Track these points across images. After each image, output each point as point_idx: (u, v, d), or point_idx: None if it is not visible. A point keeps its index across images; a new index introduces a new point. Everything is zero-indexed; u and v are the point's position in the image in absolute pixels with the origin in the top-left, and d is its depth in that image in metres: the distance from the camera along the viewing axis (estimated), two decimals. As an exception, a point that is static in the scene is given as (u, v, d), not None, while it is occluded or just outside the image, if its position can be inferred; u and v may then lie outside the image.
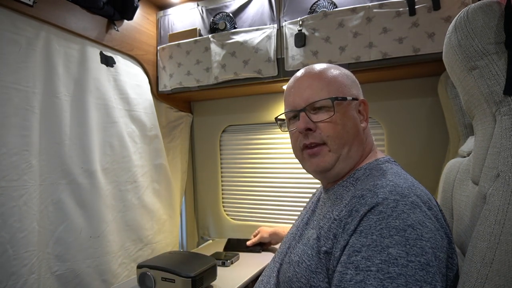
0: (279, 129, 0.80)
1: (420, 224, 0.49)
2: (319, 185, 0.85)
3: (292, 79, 0.73)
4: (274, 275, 0.70)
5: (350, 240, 0.52)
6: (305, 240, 0.65)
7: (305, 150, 0.68)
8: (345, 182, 0.66)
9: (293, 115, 0.70)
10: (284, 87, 1.55)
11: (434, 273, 0.47)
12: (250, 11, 1.47)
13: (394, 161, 0.68)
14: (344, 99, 0.66)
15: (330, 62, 1.27)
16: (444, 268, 0.49)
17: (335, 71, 0.70)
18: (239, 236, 1.81)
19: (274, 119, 1.80)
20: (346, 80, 0.70)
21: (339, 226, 0.56)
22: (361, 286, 0.47)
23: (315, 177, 0.74)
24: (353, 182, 0.64)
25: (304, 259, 0.60)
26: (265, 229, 1.45)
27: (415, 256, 0.47)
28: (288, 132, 0.74)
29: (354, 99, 0.68)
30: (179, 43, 1.56)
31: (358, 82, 0.74)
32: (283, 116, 0.75)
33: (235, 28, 1.47)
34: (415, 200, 0.52)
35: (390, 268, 0.46)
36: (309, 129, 0.66)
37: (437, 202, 0.58)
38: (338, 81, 0.68)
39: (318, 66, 0.71)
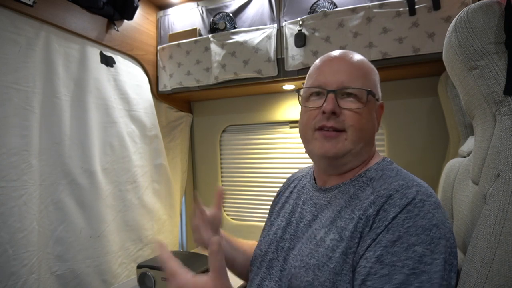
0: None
1: (442, 224, 0.52)
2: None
3: (325, 57, 0.69)
4: (275, 280, 0.66)
5: (377, 238, 0.54)
6: (317, 241, 0.61)
7: (320, 131, 0.64)
8: (356, 182, 0.64)
9: (317, 92, 0.66)
10: (285, 87, 1.56)
11: (451, 271, 0.50)
12: (250, 11, 1.47)
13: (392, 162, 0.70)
14: (374, 95, 0.66)
15: (330, 62, 1.27)
16: (456, 266, 0.52)
17: (370, 65, 0.69)
18: (239, 236, 1.81)
19: (274, 119, 1.79)
20: (376, 78, 0.69)
21: (366, 225, 0.56)
22: (386, 280, 0.49)
23: (318, 162, 0.69)
24: (368, 182, 0.63)
25: (324, 261, 0.57)
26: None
27: (439, 254, 0.49)
28: (302, 107, 0.69)
29: (378, 100, 0.68)
30: (179, 43, 1.56)
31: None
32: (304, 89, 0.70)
33: (235, 28, 1.47)
34: (437, 201, 0.55)
35: (416, 265, 0.49)
36: (334, 113, 0.62)
37: None
38: (372, 77, 0.67)
39: (357, 55, 0.68)
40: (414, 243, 0.50)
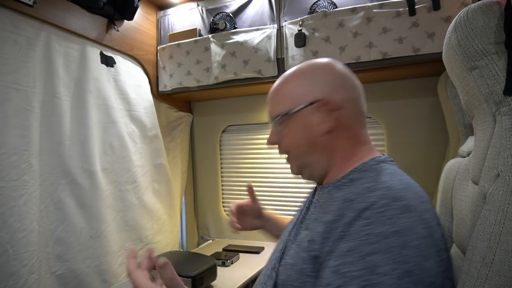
0: None
1: (407, 230, 0.47)
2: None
3: None
4: (274, 275, 0.69)
5: (338, 246, 0.51)
6: (298, 241, 0.63)
7: None
8: (339, 183, 0.63)
9: None
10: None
11: (415, 283, 0.45)
12: (250, 11, 1.47)
13: (391, 160, 0.65)
14: (287, 113, 0.65)
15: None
16: (434, 277, 0.47)
17: (290, 78, 0.68)
18: (239, 236, 1.81)
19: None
20: (299, 86, 0.66)
21: (329, 230, 0.54)
22: None
23: None
24: (348, 183, 0.61)
25: (297, 261, 0.58)
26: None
27: (398, 264, 0.45)
28: None
29: (308, 104, 0.63)
30: (179, 43, 1.56)
31: (335, 75, 0.66)
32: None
33: (235, 28, 1.47)
34: (408, 204, 0.50)
35: (370, 276, 0.45)
36: (275, 143, 0.70)
37: (432, 205, 0.55)
38: (287, 95, 0.66)
39: (281, 77, 0.70)
40: (370, 252, 0.46)
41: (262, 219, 0.97)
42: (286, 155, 0.70)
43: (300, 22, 1.31)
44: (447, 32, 0.60)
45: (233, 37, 1.44)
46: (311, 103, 0.63)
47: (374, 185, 0.53)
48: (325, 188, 0.66)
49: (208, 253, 1.46)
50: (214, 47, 1.48)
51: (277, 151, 0.73)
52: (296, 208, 1.78)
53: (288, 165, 0.72)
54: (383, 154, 0.67)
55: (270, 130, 0.72)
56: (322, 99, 0.63)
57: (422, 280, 0.45)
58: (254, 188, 1.01)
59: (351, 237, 0.49)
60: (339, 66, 0.68)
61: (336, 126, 0.63)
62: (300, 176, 0.71)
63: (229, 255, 1.45)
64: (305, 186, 1.65)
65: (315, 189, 0.76)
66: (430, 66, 1.20)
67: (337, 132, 0.64)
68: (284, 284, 0.60)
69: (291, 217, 0.87)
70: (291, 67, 1.45)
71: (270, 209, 1.74)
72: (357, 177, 0.60)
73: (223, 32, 1.47)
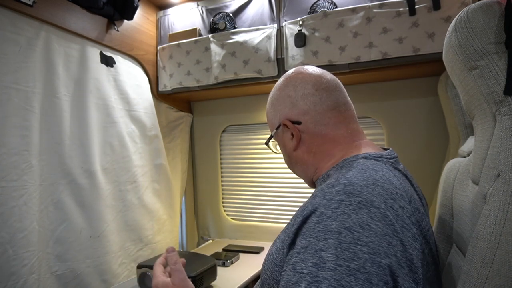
0: None
1: (360, 226, 0.46)
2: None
3: None
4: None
5: (296, 241, 0.51)
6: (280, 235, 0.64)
7: None
8: (319, 181, 0.67)
9: None
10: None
11: (364, 280, 0.43)
12: (250, 11, 1.47)
13: (379, 157, 0.61)
14: (271, 136, 0.77)
15: (330, 62, 1.27)
16: (389, 276, 0.45)
17: (267, 104, 0.77)
18: (239, 236, 1.81)
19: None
20: (270, 112, 0.75)
21: (292, 224, 0.55)
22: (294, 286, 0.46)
23: None
24: (324, 180, 0.63)
25: (273, 251, 0.59)
26: None
27: (345, 261, 0.44)
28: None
29: (277, 128, 0.73)
30: (179, 43, 1.56)
31: (290, 91, 0.69)
32: None
33: (235, 28, 1.47)
34: (366, 199, 0.48)
35: (319, 272, 0.45)
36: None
37: (406, 202, 0.53)
38: (268, 119, 0.77)
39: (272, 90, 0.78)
40: (321, 248, 0.46)
41: None
42: None
43: (300, 22, 1.31)
44: (447, 32, 0.60)
45: (233, 37, 1.44)
46: (278, 127, 0.72)
47: (336, 181, 0.53)
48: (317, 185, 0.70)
49: (208, 253, 1.46)
50: (214, 47, 1.48)
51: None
52: (296, 209, 1.78)
53: (285, 165, 0.80)
54: (380, 150, 0.64)
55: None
56: (282, 121, 0.70)
57: (376, 278, 0.43)
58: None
59: (306, 233, 0.49)
60: (298, 76, 0.71)
61: (303, 139, 0.69)
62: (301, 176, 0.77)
63: (229, 255, 1.45)
64: (305, 186, 1.65)
65: None
66: (430, 66, 1.20)
67: (305, 144, 0.69)
68: (261, 273, 0.62)
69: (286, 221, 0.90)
70: (291, 67, 1.46)
71: (270, 209, 1.75)
72: (333, 173, 0.61)
73: (223, 32, 1.47)
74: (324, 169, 0.67)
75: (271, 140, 0.79)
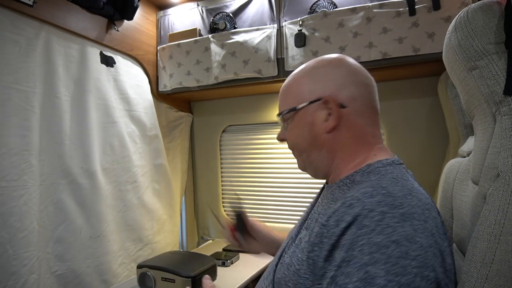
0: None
1: (407, 240, 0.45)
2: (319, 185, 0.84)
3: None
4: (272, 273, 0.69)
5: (333, 253, 0.50)
6: (298, 240, 0.62)
7: None
8: (341, 183, 0.62)
9: None
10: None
11: None
12: (250, 11, 1.47)
13: (401, 163, 0.63)
14: (293, 109, 0.66)
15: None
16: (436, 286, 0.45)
17: (298, 75, 0.69)
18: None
19: (275, 119, 1.79)
20: (306, 83, 0.66)
21: (326, 234, 0.52)
22: None
23: None
24: (349, 185, 0.60)
25: (293, 261, 0.57)
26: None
27: (395, 276, 0.43)
28: None
29: (314, 101, 0.64)
30: (179, 43, 1.56)
31: (343, 71, 0.65)
32: None
33: (235, 28, 1.47)
34: (408, 212, 0.47)
35: (361, 286, 0.44)
36: (284, 139, 0.72)
37: (437, 212, 0.53)
38: (294, 91, 0.67)
39: (292, 73, 0.71)
40: (367, 263, 0.44)
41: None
42: (293, 149, 0.71)
43: (300, 22, 1.31)
44: (447, 32, 0.60)
45: (233, 37, 1.44)
46: (315, 101, 0.63)
47: (373, 191, 0.51)
48: (330, 187, 0.66)
49: (208, 253, 1.46)
50: (214, 47, 1.48)
51: (277, 151, 0.75)
52: (296, 209, 1.78)
53: (293, 162, 0.73)
54: (394, 156, 0.64)
55: (278, 128, 0.74)
56: (326, 97, 0.62)
57: None
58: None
59: (348, 247, 0.47)
60: (350, 61, 0.67)
61: (340, 124, 0.62)
62: (304, 173, 0.72)
63: (229, 255, 1.45)
64: (305, 186, 1.65)
65: (323, 187, 0.75)
66: (430, 66, 1.20)
67: (340, 130, 0.63)
68: (280, 283, 0.60)
69: (289, 224, 0.87)
70: (291, 67, 1.46)
71: (270, 209, 1.75)
72: (359, 179, 0.59)
73: (223, 32, 1.47)
74: (344, 168, 0.63)
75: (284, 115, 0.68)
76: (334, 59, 0.67)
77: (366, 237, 0.46)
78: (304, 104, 0.65)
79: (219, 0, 1.53)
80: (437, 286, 0.44)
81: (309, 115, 0.65)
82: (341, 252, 0.48)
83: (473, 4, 0.54)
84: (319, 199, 0.70)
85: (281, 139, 0.72)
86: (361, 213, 0.48)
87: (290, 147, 0.72)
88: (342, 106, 0.62)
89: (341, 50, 1.24)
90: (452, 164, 0.81)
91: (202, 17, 1.57)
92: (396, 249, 0.44)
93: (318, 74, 0.65)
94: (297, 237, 0.65)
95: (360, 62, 1.29)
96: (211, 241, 1.82)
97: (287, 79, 0.72)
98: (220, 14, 1.51)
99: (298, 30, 1.31)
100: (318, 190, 0.78)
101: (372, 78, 0.68)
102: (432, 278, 0.44)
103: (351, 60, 0.67)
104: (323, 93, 0.63)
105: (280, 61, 1.39)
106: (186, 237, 1.91)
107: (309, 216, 0.67)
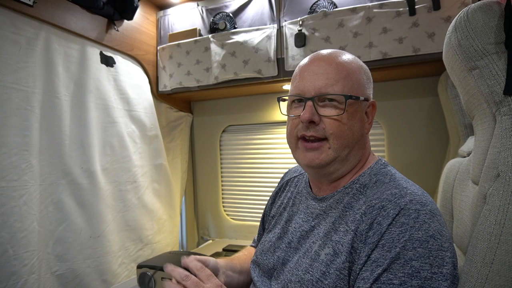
0: (282, 128, 0.77)
1: (439, 233, 0.49)
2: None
3: (307, 59, 0.66)
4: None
5: (372, 255, 0.51)
6: (312, 254, 0.60)
7: (302, 141, 0.63)
8: (350, 189, 0.61)
9: (298, 99, 0.64)
10: (285, 87, 1.56)
11: (453, 283, 0.48)
12: (250, 11, 1.47)
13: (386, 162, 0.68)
14: (357, 98, 0.61)
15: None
16: (457, 273, 0.50)
17: (356, 64, 0.64)
18: (239, 236, 1.81)
19: (274, 119, 1.80)
20: (364, 77, 0.64)
21: (360, 240, 0.53)
22: None
23: (306, 170, 0.69)
24: (361, 189, 0.60)
25: (318, 277, 0.56)
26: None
27: (438, 268, 0.47)
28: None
29: (366, 99, 0.63)
30: (179, 43, 1.56)
31: (372, 80, 0.68)
32: (287, 97, 0.68)
33: (235, 28, 1.47)
34: (433, 208, 0.52)
35: (413, 281, 0.47)
36: (313, 122, 0.60)
37: None
38: (356, 77, 0.62)
39: (340, 54, 0.64)
40: (412, 258, 0.48)
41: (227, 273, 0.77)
42: (322, 138, 0.61)
43: (300, 22, 1.31)
44: (447, 32, 0.60)
45: (233, 37, 1.44)
46: (368, 99, 0.65)
47: (400, 192, 0.54)
48: (330, 198, 0.64)
49: (208, 253, 1.46)
50: (214, 47, 1.47)
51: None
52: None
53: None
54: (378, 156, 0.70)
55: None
56: (372, 102, 0.66)
57: (457, 280, 0.49)
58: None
59: (389, 245, 0.50)
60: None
61: (370, 129, 0.67)
62: (314, 165, 0.63)
63: (229, 255, 1.45)
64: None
65: (301, 195, 0.73)
66: (430, 66, 1.20)
67: (367, 135, 0.67)
68: (306, 274, 0.58)
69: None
70: (291, 67, 1.45)
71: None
72: (370, 182, 0.61)
73: (223, 32, 1.47)
74: (356, 169, 0.65)
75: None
76: (366, 69, 0.68)
77: (408, 234, 0.49)
78: (363, 98, 0.63)
79: (219, 0, 1.53)
80: (457, 272, 0.50)
81: (362, 111, 0.64)
82: (382, 251, 0.50)
83: (473, 4, 0.54)
84: (313, 210, 0.66)
85: (310, 120, 0.60)
86: (398, 213, 0.52)
87: (321, 134, 0.61)
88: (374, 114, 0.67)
89: (341, 50, 1.24)
90: (452, 164, 0.81)
91: (202, 17, 1.57)
92: (435, 243, 0.48)
93: (367, 75, 0.66)
94: (302, 249, 0.63)
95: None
96: (211, 241, 1.82)
97: (349, 57, 0.64)
98: (220, 14, 1.51)
99: (298, 30, 1.31)
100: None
101: None
102: (456, 265, 0.50)
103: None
104: (369, 95, 0.66)
105: (280, 61, 1.38)
106: (186, 237, 1.91)
107: (316, 228, 0.63)
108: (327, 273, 0.55)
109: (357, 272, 0.52)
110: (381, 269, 0.49)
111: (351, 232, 0.55)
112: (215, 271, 0.71)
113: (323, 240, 0.59)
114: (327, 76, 0.61)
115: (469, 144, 0.80)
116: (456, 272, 0.49)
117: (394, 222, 0.51)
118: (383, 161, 0.66)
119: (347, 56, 0.64)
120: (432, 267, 0.47)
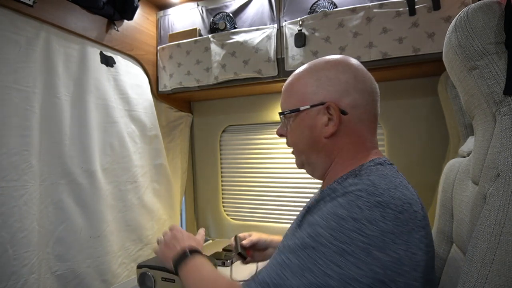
0: None
1: (368, 221, 0.47)
2: (319, 185, 0.84)
3: None
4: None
5: (304, 219, 0.58)
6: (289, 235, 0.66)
7: None
8: (335, 183, 0.62)
9: None
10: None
11: (352, 263, 0.46)
12: (250, 11, 1.47)
13: (391, 163, 0.63)
14: (296, 110, 0.66)
15: (330, 62, 1.27)
16: (383, 271, 0.46)
17: (306, 71, 0.67)
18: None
19: (275, 119, 1.79)
20: (310, 84, 0.65)
21: (308, 214, 0.59)
22: (285, 249, 0.52)
23: None
24: (342, 182, 0.60)
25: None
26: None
27: (339, 242, 0.47)
28: None
29: (316, 105, 0.63)
30: (179, 43, 1.56)
31: (347, 77, 0.64)
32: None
33: (235, 28, 1.47)
34: (385, 201, 0.49)
35: (306, 239, 0.50)
36: (283, 135, 0.72)
37: (425, 213, 0.54)
38: (299, 91, 0.66)
39: (301, 68, 0.69)
40: (320, 225, 0.50)
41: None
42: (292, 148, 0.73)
43: (300, 22, 1.31)
44: (447, 32, 0.60)
45: (233, 37, 1.44)
46: (318, 104, 0.64)
47: (358, 181, 0.54)
48: (321, 193, 0.65)
49: (208, 253, 1.46)
50: (214, 47, 1.47)
51: (277, 151, 0.77)
52: (296, 209, 1.79)
53: (293, 163, 0.75)
54: (383, 156, 0.66)
55: (279, 123, 0.75)
56: (329, 102, 0.63)
57: (365, 266, 0.46)
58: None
59: (315, 212, 0.55)
60: (356, 66, 0.66)
61: (339, 130, 0.63)
62: (304, 173, 0.74)
63: (229, 255, 1.45)
64: (305, 186, 1.65)
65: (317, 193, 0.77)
66: (430, 66, 1.20)
67: (340, 136, 0.64)
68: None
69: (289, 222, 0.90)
70: (291, 67, 1.46)
71: (270, 209, 1.75)
72: (351, 177, 0.60)
73: (223, 32, 1.47)
74: (341, 172, 0.63)
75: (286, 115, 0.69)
76: (341, 62, 0.66)
77: (333, 209, 0.51)
78: (307, 106, 0.65)
79: (219, 0, 1.53)
80: (384, 267, 0.46)
81: (311, 118, 0.65)
82: (309, 216, 0.56)
83: (473, 4, 0.54)
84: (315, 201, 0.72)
85: (280, 134, 0.73)
86: (342, 194, 0.53)
87: (289, 145, 0.72)
88: (343, 112, 0.63)
89: (341, 50, 1.24)
90: (452, 164, 0.81)
91: (202, 17, 1.57)
92: (352, 224, 0.48)
93: (323, 77, 0.65)
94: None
95: (360, 62, 1.30)
96: (211, 241, 1.82)
97: (292, 77, 0.70)
98: (220, 14, 1.51)
99: (298, 30, 1.31)
100: (317, 190, 0.78)
101: (377, 85, 0.68)
102: (380, 258, 0.46)
103: (357, 64, 0.67)
104: (326, 98, 0.63)
105: (280, 61, 1.38)
106: (186, 237, 1.91)
107: (306, 218, 0.70)
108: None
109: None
110: (299, 228, 0.55)
111: (306, 208, 0.62)
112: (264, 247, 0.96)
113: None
114: (282, 96, 0.72)
115: (469, 144, 0.80)
116: (370, 260, 0.45)
117: (332, 200, 0.53)
118: (381, 160, 0.62)
119: (304, 67, 0.69)
120: (332, 238, 0.48)
